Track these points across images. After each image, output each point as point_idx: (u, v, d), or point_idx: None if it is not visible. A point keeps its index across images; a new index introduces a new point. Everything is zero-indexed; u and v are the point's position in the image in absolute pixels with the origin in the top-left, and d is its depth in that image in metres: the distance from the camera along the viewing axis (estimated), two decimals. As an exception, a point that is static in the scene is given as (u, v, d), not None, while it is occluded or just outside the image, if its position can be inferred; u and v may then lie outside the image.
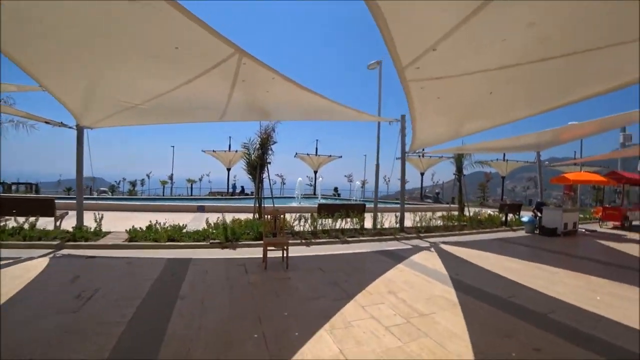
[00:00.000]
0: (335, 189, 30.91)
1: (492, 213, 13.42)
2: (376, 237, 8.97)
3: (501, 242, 9.67)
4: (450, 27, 3.22)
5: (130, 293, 4.42)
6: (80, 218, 8.43)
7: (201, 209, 14.86)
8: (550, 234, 11.20)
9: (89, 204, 11.13)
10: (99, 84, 5.92)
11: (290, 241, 7.90)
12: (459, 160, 14.44)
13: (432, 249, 8.07)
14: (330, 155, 33.15)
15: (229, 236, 7.75)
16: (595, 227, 13.99)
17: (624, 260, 7.89)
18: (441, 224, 11.35)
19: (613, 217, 13.91)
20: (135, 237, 7.55)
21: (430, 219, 11.03)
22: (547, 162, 33.99)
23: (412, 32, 3.42)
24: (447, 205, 16.56)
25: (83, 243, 7.02)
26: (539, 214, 11.91)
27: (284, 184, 35.89)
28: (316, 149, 32.93)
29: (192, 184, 33.23)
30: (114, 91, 6.21)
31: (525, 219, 12.21)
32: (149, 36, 4.07)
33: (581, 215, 14.77)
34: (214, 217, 9.01)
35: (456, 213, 13.96)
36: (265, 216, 6.53)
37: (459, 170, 14.54)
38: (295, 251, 7.19)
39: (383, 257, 7.14)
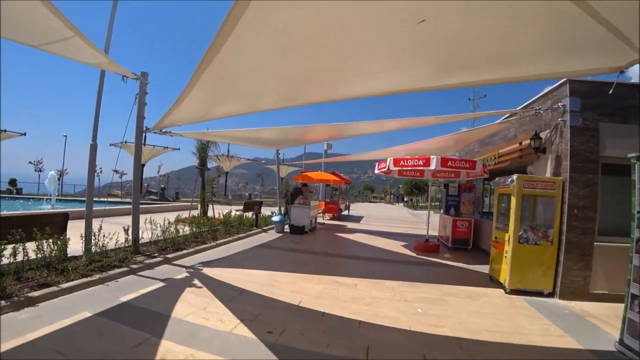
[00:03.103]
0: (12, 182, 20.85)
1: (236, 212, 11.93)
2: (96, 276, 4.69)
3: (267, 250, 8.19)
4: None
5: None
6: None
7: None
8: (299, 231, 11.24)
9: None
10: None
11: None
12: (203, 151, 12.19)
13: (198, 282, 5.06)
14: (5, 130, 21.23)
15: None
16: (320, 219, 16.11)
17: (380, 254, 8.49)
18: (187, 231, 8.36)
19: (332, 210, 16.69)
20: None
21: (177, 227, 7.65)
22: (264, 161, 38.39)
23: None
24: (189, 204, 13.75)
25: None
26: (292, 204, 11.63)
27: None
28: (-27, 119, 20.17)
29: None
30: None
31: (275, 218, 11.75)
32: None
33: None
34: None
35: (196, 213, 11.71)
36: None
37: (203, 163, 12.29)
38: None
39: (121, 326, 3.40)
